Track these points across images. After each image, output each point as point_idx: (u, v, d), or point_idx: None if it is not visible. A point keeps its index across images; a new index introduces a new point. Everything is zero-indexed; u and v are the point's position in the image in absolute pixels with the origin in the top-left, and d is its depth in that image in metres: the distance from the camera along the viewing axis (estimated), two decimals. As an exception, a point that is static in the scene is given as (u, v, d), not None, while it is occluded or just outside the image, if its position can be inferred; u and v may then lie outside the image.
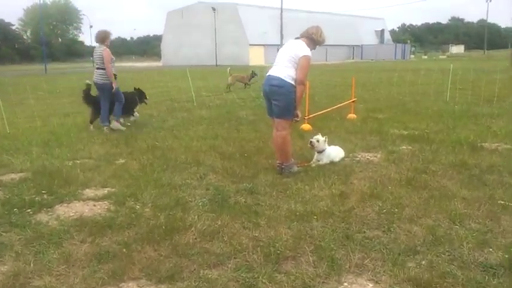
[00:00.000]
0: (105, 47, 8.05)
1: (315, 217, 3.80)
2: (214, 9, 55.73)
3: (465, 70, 17.72)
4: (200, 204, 4.23)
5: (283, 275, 2.90)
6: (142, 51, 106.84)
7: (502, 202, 4.09)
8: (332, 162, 5.61)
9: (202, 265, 3.06)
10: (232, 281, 2.85)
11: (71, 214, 4.08)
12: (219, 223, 3.74)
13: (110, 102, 8.29)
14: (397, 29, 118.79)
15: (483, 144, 6.49)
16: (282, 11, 49.82)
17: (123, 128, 8.47)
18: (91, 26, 74.50)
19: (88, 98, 8.50)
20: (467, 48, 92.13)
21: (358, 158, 5.90)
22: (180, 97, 13.78)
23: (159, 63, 65.20)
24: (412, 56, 73.55)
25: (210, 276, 2.91)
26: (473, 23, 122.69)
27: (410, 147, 6.40)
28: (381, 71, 24.11)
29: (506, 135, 7.08)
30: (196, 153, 6.25)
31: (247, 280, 2.84)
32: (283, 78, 4.96)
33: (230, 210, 4.02)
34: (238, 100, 13.11)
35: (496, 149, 6.20)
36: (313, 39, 5.13)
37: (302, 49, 4.98)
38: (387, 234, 3.49)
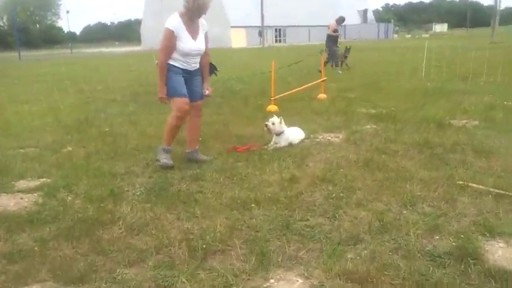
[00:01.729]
0: None
1: (253, 205, 3.48)
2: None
3: (443, 48, 17.45)
4: (138, 193, 3.89)
5: (206, 272, 2.59)
6: (124, 35, 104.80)
7: (461, 182, 3.81)
8: (291, 145, 5.30)
9: (120, 263, 2.73)
10: (149, 280, 2.53)
11: (-6, 209, 3.71)
12: (151, 215, 3.40)
13: None
14: (380, 9, 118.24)
15: (451, 121, 6.23)
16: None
17: None
18: (67, 11, 72.84)
19: None
20: (450, 27, 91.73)
21: (318, 139, 5.59)
22: (148, 81, 13.20)
23: (139, 48, 63.89)
24: (396, 35, 73.30)
25: (125, 276, 2.58)
26: (456, 1, 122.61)
27: (375, 127, 6.11)
28: (360, 50, 23.74)
29: (476, 111, 6.83)
30: (149, 139, 5.89)
31: (166, 279, 2.52)
32: None
33: (167, 200, 3.69)
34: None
35: (464, 126, 5.94)
36: (186, 8, 4.34)
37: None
38: (331, 221, 3.19)
